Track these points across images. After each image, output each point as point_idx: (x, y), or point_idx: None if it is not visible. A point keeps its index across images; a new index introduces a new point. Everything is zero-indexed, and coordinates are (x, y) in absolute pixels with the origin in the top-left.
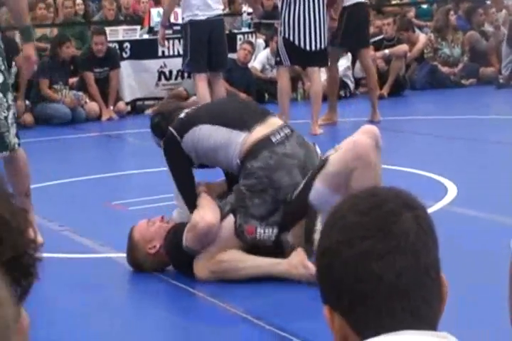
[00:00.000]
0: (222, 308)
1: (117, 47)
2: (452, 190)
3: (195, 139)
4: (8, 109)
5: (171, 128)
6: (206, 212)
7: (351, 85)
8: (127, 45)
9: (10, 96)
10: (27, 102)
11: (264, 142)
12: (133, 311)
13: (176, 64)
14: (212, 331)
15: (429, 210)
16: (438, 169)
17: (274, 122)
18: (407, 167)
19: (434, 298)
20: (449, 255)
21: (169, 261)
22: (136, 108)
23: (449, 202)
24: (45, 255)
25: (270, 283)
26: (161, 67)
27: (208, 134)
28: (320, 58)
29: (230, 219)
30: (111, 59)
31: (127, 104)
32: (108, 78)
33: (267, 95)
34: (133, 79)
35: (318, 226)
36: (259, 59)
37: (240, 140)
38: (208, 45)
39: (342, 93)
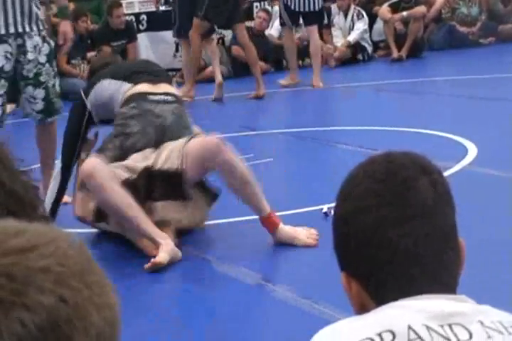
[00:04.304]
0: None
1: (134, 19)
2: (472, 151)
3: (95, 94)
4: (55, 76)
5: (81, 90)
6: None
7: (369, 48)
8: (144, 17)
9: (54, 64)
10: None
11: (140, 96)
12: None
13: None
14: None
15: (450, 171)
16: (458, 130)
17: (164, 87)
18: (427, 128)
19: (453, 262)
20: (469, 216)
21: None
22: None
23: (469, 163)
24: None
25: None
26: None
27: (105, 88)
28: (316, 17)
29: None
30: (128, 32)
31: None
32: (126, 51)
33: (285, 62)
34: (151, 51)
35: None
36: (276, 26)
37: (123, 90)
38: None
39: (360, 56)
